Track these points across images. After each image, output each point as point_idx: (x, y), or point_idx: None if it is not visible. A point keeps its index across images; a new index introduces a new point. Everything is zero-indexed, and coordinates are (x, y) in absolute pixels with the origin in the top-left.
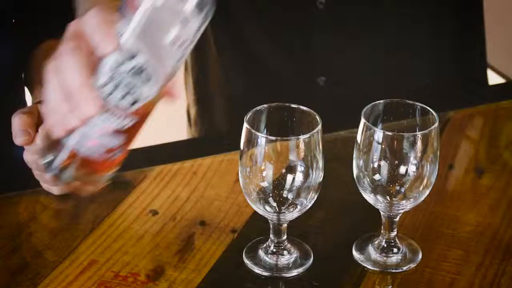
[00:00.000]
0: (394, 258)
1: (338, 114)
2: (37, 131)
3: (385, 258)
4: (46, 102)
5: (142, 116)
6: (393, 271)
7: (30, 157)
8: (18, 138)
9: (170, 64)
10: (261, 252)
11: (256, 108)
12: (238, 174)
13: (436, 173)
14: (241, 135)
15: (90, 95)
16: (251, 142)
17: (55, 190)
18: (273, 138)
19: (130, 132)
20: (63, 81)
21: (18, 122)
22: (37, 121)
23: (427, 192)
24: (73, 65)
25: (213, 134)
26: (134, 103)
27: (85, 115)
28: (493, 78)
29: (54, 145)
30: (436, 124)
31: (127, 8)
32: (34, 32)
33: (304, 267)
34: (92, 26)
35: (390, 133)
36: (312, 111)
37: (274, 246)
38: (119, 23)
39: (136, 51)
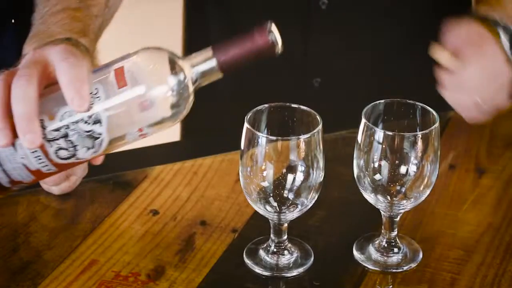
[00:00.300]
0: (395, 258)
1: (332, 115)
2: None
3: (385, 258)
4: None
5: (60, 170)
6: (394, 271)
7: None
8: None
9: (118, 143)
10: (261, 252)
11: (256, 108)
12: (238, 174)
13: (437, 173)
14: (241, 135)
15: (33, 129)
16: (252, 142)
17: (55, 190)
18: (274, 138)
19: (40, 177)
20: (11, 103)
21: None
22: None
23: (428, 192)
24: (25, 93)
25: (212, 134)
26: (67, 158)
27: (20, 143)
28: None
29: None
30: (437, 124)
31: (112, 78)
32: None
33: (304, 267)
34: (66, 77)
35: (390, 133)
36: (312, 111)
37: (275, 246)
38: (94, 84)
39: (99, 120)
